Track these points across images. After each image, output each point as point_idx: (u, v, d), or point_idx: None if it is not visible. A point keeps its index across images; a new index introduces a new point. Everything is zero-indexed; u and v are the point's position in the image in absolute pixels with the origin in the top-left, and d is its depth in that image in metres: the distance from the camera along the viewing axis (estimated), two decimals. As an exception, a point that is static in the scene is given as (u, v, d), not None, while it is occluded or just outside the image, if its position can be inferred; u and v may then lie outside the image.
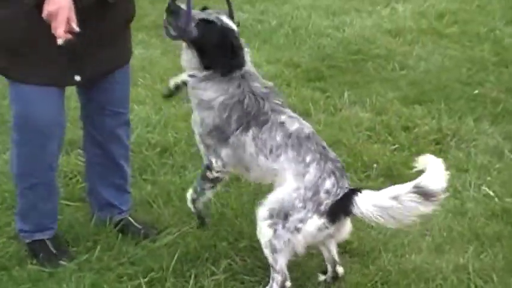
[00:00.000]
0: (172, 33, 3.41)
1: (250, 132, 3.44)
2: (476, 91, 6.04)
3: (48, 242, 3.92)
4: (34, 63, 3.40)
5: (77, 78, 3.52)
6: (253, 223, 4.12)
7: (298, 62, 6.85)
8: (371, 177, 4.76)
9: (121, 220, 4.17)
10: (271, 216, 3.36)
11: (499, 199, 4.45)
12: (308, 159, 3.39)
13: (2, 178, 4.66)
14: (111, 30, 3.55)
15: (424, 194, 3.18)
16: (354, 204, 3.26)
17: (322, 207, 3.31)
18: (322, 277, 3.71)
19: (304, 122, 3.58)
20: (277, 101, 3.53)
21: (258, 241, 3.95)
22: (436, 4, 8.60)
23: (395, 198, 3.23)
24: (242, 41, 3.50)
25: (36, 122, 3.56)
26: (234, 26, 3.44)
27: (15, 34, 3.32)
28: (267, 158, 3.43)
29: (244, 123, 3.45)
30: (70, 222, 4.19)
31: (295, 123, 3.48)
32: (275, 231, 3.36)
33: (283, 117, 3.47)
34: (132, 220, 4.18)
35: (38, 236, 3.92)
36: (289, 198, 3.33)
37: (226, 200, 4.44)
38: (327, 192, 3.34)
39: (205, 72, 3.46)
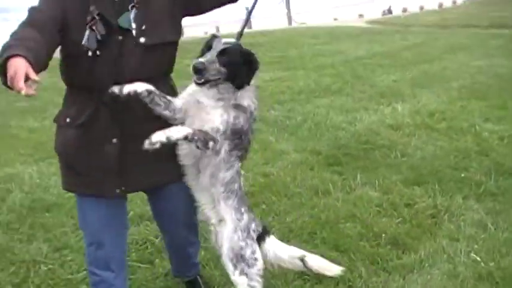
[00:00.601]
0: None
1: (238, 166, 3.28)
2: (463, 175, 6.02)
3: None
4: (79, 175, 3.21)
5: (117, 190, 3.22)
6: (286, 282, 4.17)
7: (320, 151, 6.92)
8: (380, 245, 4.73)
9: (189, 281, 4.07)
10: (235, 266, 3.31)
11: (485, 264, 4.39)
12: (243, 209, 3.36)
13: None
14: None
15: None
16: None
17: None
18: None
19: None
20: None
21: None
22: (428, 104, 8.68)
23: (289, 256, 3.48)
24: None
25: (87, 230, 3.41)
26: (232, 41, 3.17)
27: (68, 150, 3.21)
28: (223, 192, 3.25)
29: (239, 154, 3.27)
30: (141, 281, 4.22)
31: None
32: (246, 274, 3.33)
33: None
34: (199, 280, 4.06)
35: None
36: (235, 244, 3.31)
37: (265, 263, 4.46)
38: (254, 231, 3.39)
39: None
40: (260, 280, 3.39)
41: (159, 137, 2.93)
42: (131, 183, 3.24)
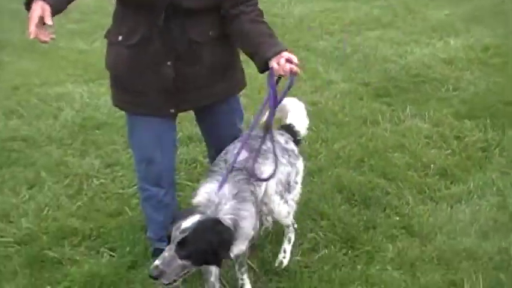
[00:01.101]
0: None
1: None
2: (517, 110, 5.91)
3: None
4: (132, 94, 3.22)
5: (172, 110, 3.25)
6: (333, 206, 4.23)
7: (369, 82, 6.83)
8: (428, 175, 4.73)
9: None
10: (281, 197, 3.39)
11: (535, 197, 4.38)
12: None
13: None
14: (210, 66, 3.19)
15: None
16: None
17: None
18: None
19: None
20: None
21: (336, 219, 4.07)
22: (481, 39, 8.39)
23: None
24: None
25: (138, 147, 3.42)
26: (195, 218, 2.73)
27: (120, 68, 3.20)
28: None
29: None
30: (189, 199, 4.25)
31: None
32: (287, 202, 3.43)
33: None
34: None
35: (158, 245, 3.59)
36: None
37: (311, 187, 4.51)
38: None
39: None
40: (294, 205, 3.52)
41: None
42: (185, 103, 3.27)
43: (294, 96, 6.10)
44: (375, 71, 7.23)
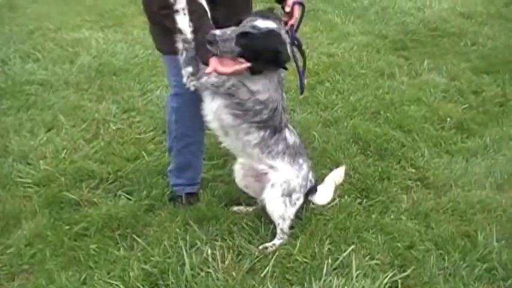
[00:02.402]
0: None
1: (261, 133, 3.29)
2: (537, 66, 5.84)
3: (191, 196, 3.77)
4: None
5: None
6: (348, 156, 4.24)
7: (386, 35, 6.77)
8: (445, 129, 4.72)
9: None
10: (282, 195, 3.39)
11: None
12: (301, 161, 3.45)
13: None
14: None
15: None
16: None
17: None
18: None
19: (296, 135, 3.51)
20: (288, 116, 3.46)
21: (352, 169, 4.08)
22: (504, -7, 8.27)
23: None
24: (283, 33, 3.08)
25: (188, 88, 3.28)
26: (271, 25, 2.99)
27: (155, 9, 3.20)
28: (262, 153, 3.36)
29: (263, 124, 3.26)
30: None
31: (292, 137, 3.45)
32: (285, 205, 3.41)
33: (287, 133, 3.42)
34: None
35: (190, 190, 3.77)
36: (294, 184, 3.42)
37: (327, 137, 4.51)
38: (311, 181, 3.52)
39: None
40: (289, 221, 3.46)
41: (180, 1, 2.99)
42: None
43: (311, 47, 6.14)
44: (393, 24, 7.17)
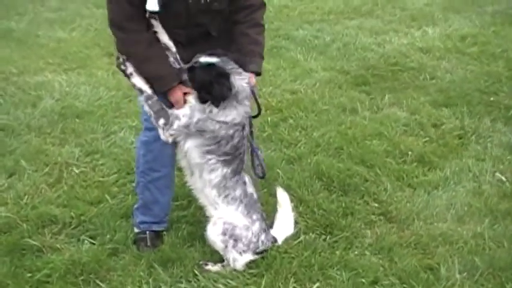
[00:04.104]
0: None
1: (224, 170, 3.43)
2: (492, 98, 6.00)
3: (155, 235, 3.76)
4: None
5: None
6: (312, 192, 4.28)
7: (348, 70, 6.88)
8: (406, 162, 4.80)
9: None
10: (224, 234, 3.46)
11: (510, 183, 4.47)
12: (254, 217, 3.54)
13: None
14: None
15: None
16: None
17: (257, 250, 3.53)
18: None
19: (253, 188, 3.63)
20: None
21: (316, 206, 4.11)
22: (459, 29, 8.51)
23: None
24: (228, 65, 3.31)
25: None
26: (212, 60, 3.27)
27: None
28: (219, 196, 3.47)
29: (230, 158, 3.44)
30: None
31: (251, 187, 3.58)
32: (226, 247, 3.47)
33: (247, 179, 3.57)
34: None
35: (156, 228, 3.77)
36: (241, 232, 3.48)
37: (291, 174, 4.55)
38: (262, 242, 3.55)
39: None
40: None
41: (129, 66, 3.33)
42: None
43: (274, 84, 6.22)
44: (354, 60, 7.30)
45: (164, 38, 3.38)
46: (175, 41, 3.41)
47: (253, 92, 3.46)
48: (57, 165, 4.66)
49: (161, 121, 3.34)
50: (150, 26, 3.35)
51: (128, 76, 3.34)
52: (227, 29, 3.49)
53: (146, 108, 3.36)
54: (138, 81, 3.33)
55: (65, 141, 5.08)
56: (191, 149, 3.39)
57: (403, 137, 5.21)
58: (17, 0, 9.98)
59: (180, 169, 4.11)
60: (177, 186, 4.11)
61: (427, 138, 5.19)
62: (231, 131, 3.36)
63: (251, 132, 3.60)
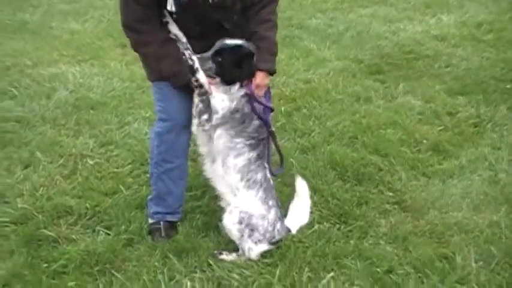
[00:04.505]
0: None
1: (250, 154, 3.52)
2: (508, 86, 5.95)
3: (169, 226, 3.78)
4: None
5: None
6: (326, 182, 4.27)
7: (362, 59, 6.85)
8: (421, 151, 4.78)
9: None
10: (240, 223, 3.48)
11: (526, 172, 4.45)
12: (270, 203, 3.56)
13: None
14: None
15: None
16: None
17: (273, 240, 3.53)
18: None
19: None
20: None
21: (330, 195, 4.11)
22: (475, 16, 8.43)
23: None
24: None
25: (175, 115, 3.54)
26: (238, 42, 3.42)
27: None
28: (241, 180, 3.51)
29: (255, 142, 3.55)
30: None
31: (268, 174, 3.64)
32: (242, 236, 3.49)
33: (266, 165, 3.63)
34: None
35: (170, 218, 3.80)
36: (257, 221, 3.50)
37: (305, 164, 4.55)
38: (278, 231, 3.56)
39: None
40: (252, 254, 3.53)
41: (194, 61, 3.38)
42: None
43: (288, 73, 6.21)
44: (368, 48, 7.25)
45: (174, 29, 3.39)
46: (188, 34, 3.42)
47: (254, 97, 3.52)
48: (72, 157, 4.69)
49: (205, 116, 3.43)
50: (161, 22, 3.38)
51: (195, 71, 3.39)
52: (240, 22, 3.50)
53: (197, 100, 3.44)
54: (202, 76, 3.40)
55: (79, 132, 5.11)
56: (220, 135, 3.46)
57: (418, 126, 5.18)
58: (31, -8, 10.04)
59: (194, 159, 4.17)
60: (191, 176, 4.14)
61: (442, 127, 5.16)
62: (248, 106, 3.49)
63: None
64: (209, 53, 3.39)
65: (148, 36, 3.33)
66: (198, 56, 3.39)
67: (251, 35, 3.48)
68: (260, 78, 3.49)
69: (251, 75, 3.46)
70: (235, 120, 3.46)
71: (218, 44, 3.39)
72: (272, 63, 3.52)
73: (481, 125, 5.19)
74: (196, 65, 3.38)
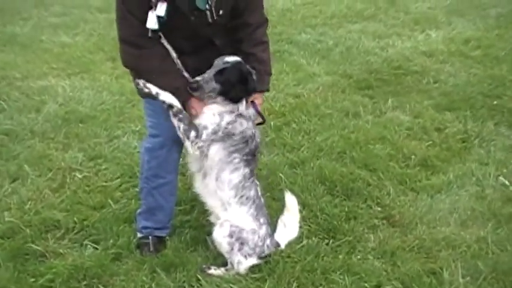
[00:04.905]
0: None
1: (245, 170, 3.52)
2: (496, 102, 5.99)
3: (157, 240, 3.77)
4: None
5: None
6: (315, 197, 4.28)
7: (351, 74, 6.88)
8: (409, 166, 4.80)
9: None
10: (230, 236, 3.47)
11: (513, 187, 4.48)
12: (261, 220, 3.57)
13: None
14: None
15: None
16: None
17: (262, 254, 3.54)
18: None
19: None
20: None
21: (319, 210, 4.11)
22: (463, 32, 8.50)
23: None
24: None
25: (166, 131, 3.48)
26: (237, 59, 3.41)
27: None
28: (235, 197, 3.50)
29: (251, 158, 3.54)
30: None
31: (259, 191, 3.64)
32: (232, 249, 3.48)
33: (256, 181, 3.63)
34: None
35: (158, 234, 3.78)
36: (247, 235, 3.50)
37: (294, 179, 4.55)
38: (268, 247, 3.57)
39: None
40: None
41: (152, 86, 3.29)
42: None
43: (277, 88, 6.23)
44: (357, 64, 7.29)
45: (164, 42, 3.36)
46: (179, 50, 3.40)
47: (257, 110, 3.58)
48: (60, 170, 4.68)
49: (192, 134, 3.34)
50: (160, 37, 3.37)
51: (155, 96, 3.32)
52: (230, 38, 3.51)
53: (176, 122, 3.34)
54: (167, 96, 3.31)
55: (68, 146, 5.10)
56: (216, 152, 3.42)
57: (406, 141, 5.21)
58: (21, 5, 10.05)
59: (183, 173, 4.17)
60: (180, 190, 4.14)
61: (430, 142, 5.18)
62: (253, 129, 3.51)
63: None
64: (211, 74, 3.35)
65: (149, 51, 3.28)
66: (199, 78, 3.34)
67: (247, 56, 3.48)
68: (259, 98, 3.59)
69: (255, 89, 3.49)
70: (235, 140, 3.44)
71: (218, 63, 3.37)
72: (269, 83, 3.62)
73: (469, 140, 5.22)
74: (154, 90, 3.31)
